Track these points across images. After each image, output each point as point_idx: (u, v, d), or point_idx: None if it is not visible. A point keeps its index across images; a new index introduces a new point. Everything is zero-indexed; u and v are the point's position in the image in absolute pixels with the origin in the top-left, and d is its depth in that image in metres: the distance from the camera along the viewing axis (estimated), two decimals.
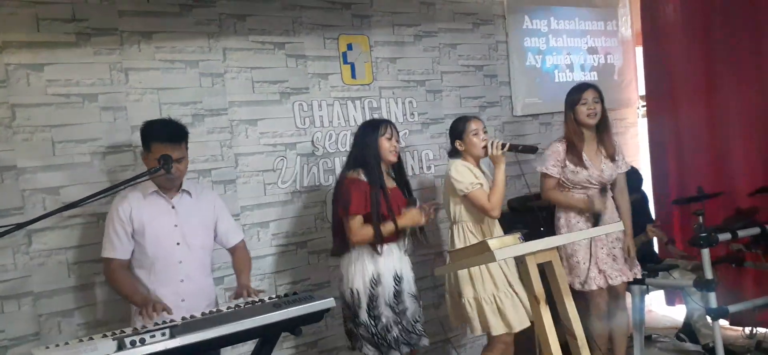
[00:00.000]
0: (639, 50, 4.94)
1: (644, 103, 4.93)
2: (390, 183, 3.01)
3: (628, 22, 4.96)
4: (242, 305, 2.40)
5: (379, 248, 2.87)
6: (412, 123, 3.87)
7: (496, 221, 3.16)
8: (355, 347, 2.96)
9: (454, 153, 3.21)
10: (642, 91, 4.96)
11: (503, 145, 3.07)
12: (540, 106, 4.44)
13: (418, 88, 3.91)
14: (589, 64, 4.73)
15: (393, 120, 3.74)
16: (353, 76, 3.66)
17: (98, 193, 2.27)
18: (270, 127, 3.39)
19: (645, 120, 4.93)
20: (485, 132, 3.17)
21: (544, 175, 3.37)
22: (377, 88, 3.75)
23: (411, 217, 2.92)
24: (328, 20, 3.59)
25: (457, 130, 3.17)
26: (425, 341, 3.01)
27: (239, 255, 2.83)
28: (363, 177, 2.88)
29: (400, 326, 2.91)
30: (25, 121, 2.77)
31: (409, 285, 3.00)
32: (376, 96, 3.74)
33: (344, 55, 3.64)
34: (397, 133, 3.03)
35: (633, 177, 4.05)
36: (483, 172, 3.19)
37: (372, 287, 2.87)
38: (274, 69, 3.41)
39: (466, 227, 3.12)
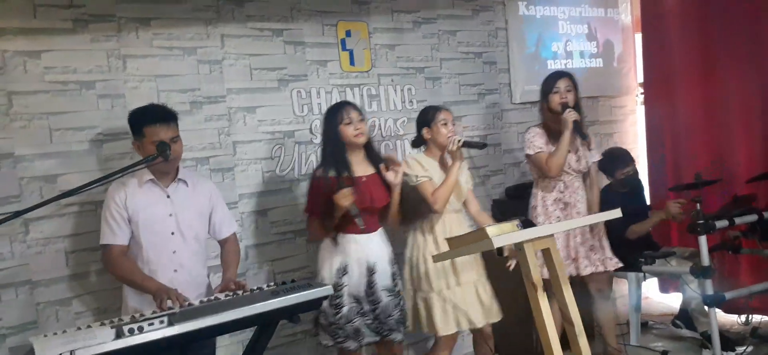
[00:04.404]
0: (638, 37, 4.92)
1: (643, 91, 4.92)
2: (367, 170, 2.93)
3: (628, 9, 4.94)
4: (240, 292, 2.40)
5: (335, 240, 2.86)
6: (411, 110, 3.85)
7: (443, 218, 3.06)
8: (316, 333, 2.96)
9: (418, 142, 3.18)
10: (641, 78, 4.95)
11: (459, 141, 2.99)
12: (539, 93, 4.41)
13: (417, 76, 3.90)
14: (588, 51, 4.71)
15: (392, 107, 3.76)
16: (352, 63, 3.65)
17: (96, 180, 2.27)
18: (268, 114, 3.38)
19: (643, 107, 4.92)
20: (454, 125, 3.11)
21: (537, 156, 3.34)
22: (376, 76, 3.74)
23: (337, 202, 2.73)
24: (327, 6, 3.57)
25: (427, 118, 3.10)
26: (398, 336, 2.93)
27: (229, 248, 2.78)
28: (322, 173, 2.85)
29: (369, 318, 2.86)
30: (22, 108, 2.75)
31: (383, 278, 2.91)
32: (375, 83, 3.73)
33: (343, 41, 3.62)
34: (359, 112, 2.91)
35: (625, 156, 4.09)
36: (441, 166, 3.11)
37: (337, 276, 2.84)
38: (273, 56, 3.39)
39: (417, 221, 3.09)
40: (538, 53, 4.45)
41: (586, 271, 3.38)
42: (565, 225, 3.13)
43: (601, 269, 3.41)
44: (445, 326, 3.02)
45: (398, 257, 3.11)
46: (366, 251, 2.88)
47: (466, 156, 3.25)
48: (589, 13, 4.72)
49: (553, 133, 3.36)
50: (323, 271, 2.89)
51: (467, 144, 3.05)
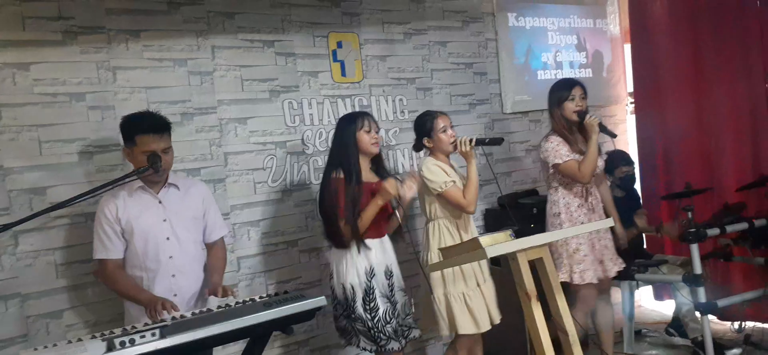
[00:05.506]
0: (627, 47, 4.96)
1: (633, 100, 4.95)
2: (373, 178, 2.96)
3: (617, 19, 4.98)
4: (232, 304, 2.38)
5: (361, 246, 2.86)
6: (403, 121, 3.86)
7: (470, 216, 3.14)
8: (350, 342, 2.93)
9: (419, 146, 3.18)
10: (630, 88, 4.98)
11: (470, 141, 3.02)
12: (529, 103, 4.45)
13: (408, 86, 3.91)
14: (578, 61, 4.75)
15: (383, 118, 3.77)
16: (343, 74, 3.65)
17: (86, 193, 2.25)
18: (259, 125, 3.37)
19: (633, 117, 4.95)
20: (452, 127, 3.12)
21: (568, 164, 3.28)
22: (367, 86, 3.74)
23: (386, 189, 2.82)
24: (318, 18, 3.57)
25: (425, 127, 3.10)
26: (416, 333, 3.00)
27: (217, 252, 2.76)
28: (342, 176, 2.86)
29: (394, 322, 2.90)
30: (11, 120, 2.74)
31: (398, 280, 3.00)
32: (366, 94, 3.74)
33: (334, 53, 3.62)
34: (376, 124, 2.98)
35: (626, 155, 4.14)
36: (452, 167, 3.14)
37: (368, 279, 2.87)
38: (264, 67, 3.39)
39: (442, 224, 3.06)
40: (528, 64, 4.48)
41: (612, 272, 3.39)
42: (560, 234, 3.13)
43: (620, 266, 3.44)
44: (472, 325, 3.02)
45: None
46: (383, 254, 2.95)
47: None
48: (578, 24, 4.75)
49: (569, 140, 3.35)
50: (349, 277, 2.86)
51: (482, 142, 3.06)
